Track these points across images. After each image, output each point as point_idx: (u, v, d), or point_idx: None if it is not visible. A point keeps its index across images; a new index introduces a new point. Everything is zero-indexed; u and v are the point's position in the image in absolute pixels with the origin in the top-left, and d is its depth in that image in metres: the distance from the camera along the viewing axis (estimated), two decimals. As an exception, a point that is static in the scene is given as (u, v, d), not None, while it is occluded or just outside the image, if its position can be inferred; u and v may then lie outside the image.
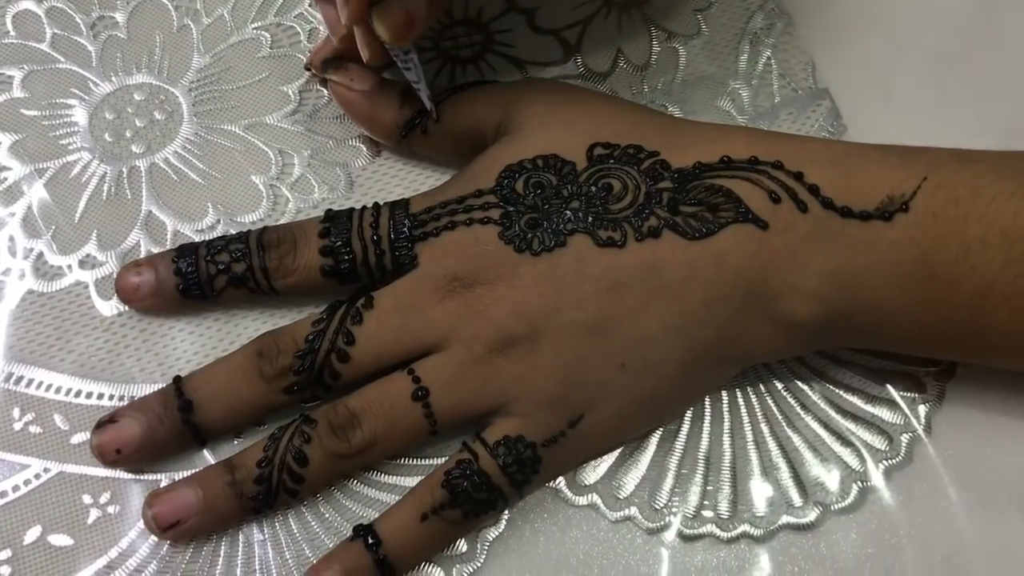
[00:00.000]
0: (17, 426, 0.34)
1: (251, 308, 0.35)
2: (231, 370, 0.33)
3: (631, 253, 0.31)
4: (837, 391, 0.34)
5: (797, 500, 0.33)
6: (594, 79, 0.39)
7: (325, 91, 0.38)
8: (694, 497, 0.33)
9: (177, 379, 0.33)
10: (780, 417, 0.34)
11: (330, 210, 0.34)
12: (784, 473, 0.33)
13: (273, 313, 0.35)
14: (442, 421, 0.32)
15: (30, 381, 0.34)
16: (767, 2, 0.40)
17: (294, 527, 0.33)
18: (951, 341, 0.31)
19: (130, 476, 0.33)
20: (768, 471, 0.33)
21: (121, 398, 0.34)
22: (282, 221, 0.36)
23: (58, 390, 0.34)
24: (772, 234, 0.31)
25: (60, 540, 0.33)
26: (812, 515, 0.33)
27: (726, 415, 0.34)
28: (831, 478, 0.33)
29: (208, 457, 0.33)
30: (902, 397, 0.34)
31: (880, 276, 0.30)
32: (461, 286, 0.32)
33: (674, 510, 0.33)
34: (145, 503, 0.32)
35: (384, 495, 0.33)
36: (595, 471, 0.33)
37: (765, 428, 0.34)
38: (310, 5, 0.39)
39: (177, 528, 0.31)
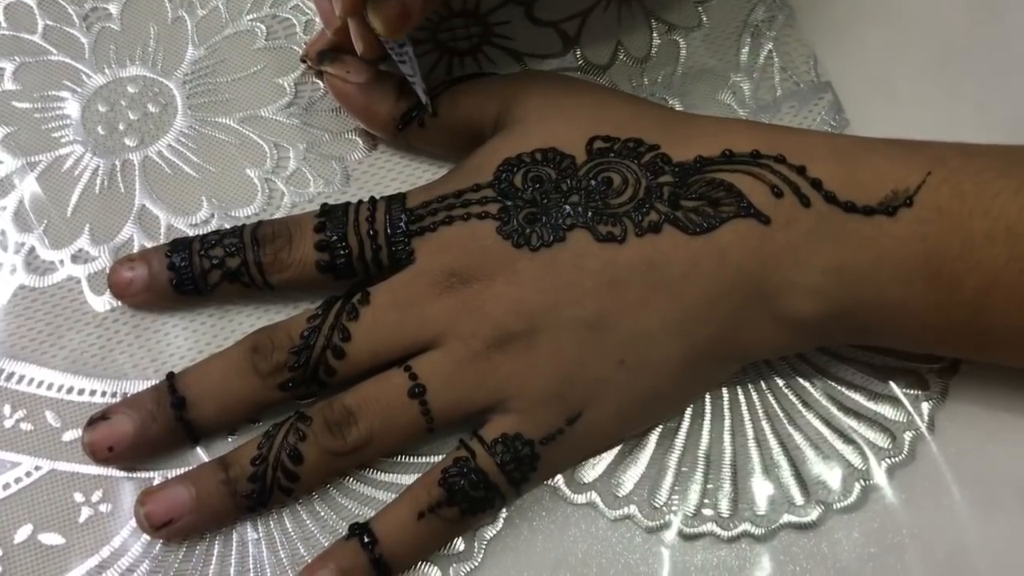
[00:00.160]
0: (8, 423, 0.33)
1: (245, 303, 0.35)
2: (225, 366, 0.32)
3: (631, 248, 0.31)
4: (839, 388, 0.34)
5: (799, 499, 0.33)
6: (593, 72, 0.38)
7: (321, 84, 0.38)
8: (694, 495, 0.33)
9: (170, 375, 0.33)
10: (781, 414, 0.34)
11: (326, 204, 0.34)
12: (785, 471, 0.33)
13: (268, 309, 0.35)
14: (439, 418, 0.31)
15: (21, 377, 0.34)
16: (769, -6, 0.39)
17: (289, 525, 0.32)
18: (955, 337, 0.31)
19: (122, 474, 0.33)
20: (769, 469, 0.33)
21: (114, 395, 0.34)
22: (277, 215, 0.36)
23: (50, 386, 0.34)
24: (774, 229, 0.31)
25: (51, 539, 0.32)
26: (814, 514, 0.32)
27: (727, 412, 0.34)
28: (833, 476, 0.33)
29: (202, 455, 0.33)
30: (905, 394, 0.34)
31: (883, 272, 0.30)
32: (458, 282, 0.32)
33: (674, 508, 0.33)
34: (137, 501, 0.31)
35: (380, 493, 0.33)
36: (594, 469, 0.33)
37: (766, 425, 0.34)
38: (306, -4, 0.39)
39: (170, 527, 0.31)
